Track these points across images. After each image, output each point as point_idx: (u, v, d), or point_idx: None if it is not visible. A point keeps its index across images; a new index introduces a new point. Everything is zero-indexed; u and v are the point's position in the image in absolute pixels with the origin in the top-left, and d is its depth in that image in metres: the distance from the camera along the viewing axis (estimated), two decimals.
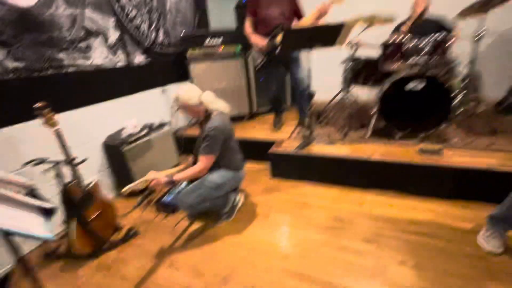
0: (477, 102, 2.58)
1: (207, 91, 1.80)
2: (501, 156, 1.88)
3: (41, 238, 0.76)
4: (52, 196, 1.83)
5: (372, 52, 2.89)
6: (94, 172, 2.20)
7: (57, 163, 1.60)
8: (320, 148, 2.32)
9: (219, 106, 1.80)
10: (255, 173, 2.55)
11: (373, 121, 2.39)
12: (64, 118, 1.91)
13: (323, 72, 3.83)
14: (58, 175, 1.64)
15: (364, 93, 3.73)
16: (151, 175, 1.57)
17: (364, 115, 2.99)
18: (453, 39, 2.24)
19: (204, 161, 1.69)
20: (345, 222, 1.79)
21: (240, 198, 2.07)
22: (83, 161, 1.64)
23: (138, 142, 2.29)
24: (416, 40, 2.26)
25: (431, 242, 1.57)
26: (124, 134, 2.25)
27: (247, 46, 3.17)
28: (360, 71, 2.87)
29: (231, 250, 1.66)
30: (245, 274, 1.47)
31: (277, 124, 2.98)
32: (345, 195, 2.10)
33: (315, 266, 1.48)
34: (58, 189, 1.84)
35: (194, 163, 1.82)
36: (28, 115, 1.66)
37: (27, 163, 1.58)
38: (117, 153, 2.19)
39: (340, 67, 2.94)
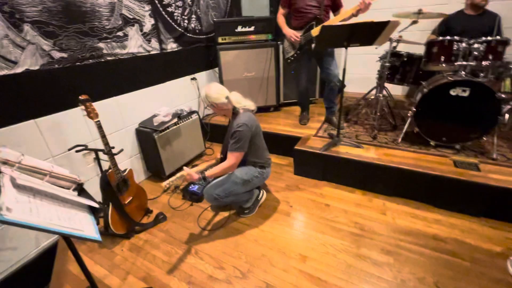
0: None
1: (234, 91, 1.82)
2: None
3: (93, 240, 0.85)
4: (90, 178, 2.00)
5: (413, 48, 2.70)
6: (127, 156, 2.35)
7: (97, 151, 1.72)
8: (346, 149, 2.27)
9: (246, 104, 1.81)
10: (278, 168, 2.58)
11: (406, 125, 2.27)
12: (102, 105, 2.03)
13: (357, 64, 3.66)
14: (98, 161, 1.78)
15: (399, 91, 3.54)
16: (186, 171, 1.65)
17: (397, 116, 2.85)
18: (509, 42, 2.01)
19: (233, 158, 1.73)
20: (366, 230, 1.80)
21: (263, 194, 2.13)
22: (120, 152, 1.75)
23: (168, 130, 2.38)
24: (467, 41, 2.06)
25: (454, 261, 1.54)
26: (156, 121, 2.34)
27: (278, 35, 3.07)
28: (399, 68, 2.69)
29: (251, 245, 1.74)
30: (263, 272, 1.55)
31: (303, 120, 2.93)
32: (368, 201, 2.08)
33: (332, 272, 1.52)
34: (96, 172, 2.00)
35: (222, 159, 1.88)
36: (71, 103, 1.78)
37: (71, 148, 1.72)
38: (149, 140, 2.30)
39: (376, 60, 2.78)
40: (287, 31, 2.48)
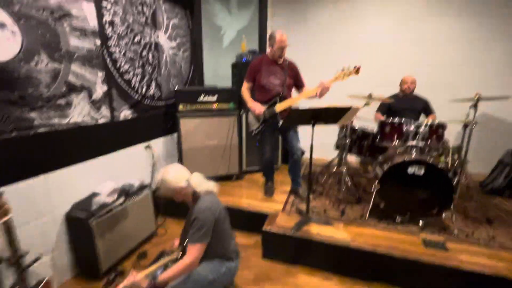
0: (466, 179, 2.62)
1: (196, 172, 1.62)
2: (506, 257, 1.81)
3: None
4: None
5: (366, 122, 2.95)
6: (48, 250, 1.79)
7: None
8: (317, 229, 2.12)
9: (208, 186, 1.59)
10: (244, 250, 2.25)
11: (372, 201, 2.28)
12: (22, 189, 1.58)
13: (316, 130, 3.86)
14: None
15: (353, 157, 3.72)
16: (130, 278, 1.25)
17: (359, 185, 2.91)
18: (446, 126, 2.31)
19: (194, 251, 1.41)
20: None
21: None
22: (35, 261, 1.28)
23: (111, 213, 1.95)
24: (414, 123, 2.30)
25: None
26: (96, 203, 1.91)
27: (241, 104, 3.09)
28: (355, 141, 2.86)
29: None
30: None
31: (269, 192, 2.78)
32: None
33: None
34: None
35: (183, 251, 1.53)
36: None
37: None
38: (83, 227, 1.81)
39: (335, 129, 2.93)
40: (252, 104, 2.48)
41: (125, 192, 2.12)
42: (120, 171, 2.33)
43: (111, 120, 2.19)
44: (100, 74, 2.05)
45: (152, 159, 2.70)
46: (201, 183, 1.58)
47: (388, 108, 3.06)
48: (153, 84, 2.67)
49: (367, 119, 2.87)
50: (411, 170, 2.12)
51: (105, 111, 2.12)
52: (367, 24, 3.44)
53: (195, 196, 1.55)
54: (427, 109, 3.01)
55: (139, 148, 2.56)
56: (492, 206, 2.54)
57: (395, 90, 3.14)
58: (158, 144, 2.84)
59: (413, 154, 2.20)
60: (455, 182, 2.33)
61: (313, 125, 1.97)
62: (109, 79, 2.13)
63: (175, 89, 2.75)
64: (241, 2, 3.44)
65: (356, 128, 2.83)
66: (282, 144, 3.40)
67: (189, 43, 3.23)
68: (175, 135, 2.86)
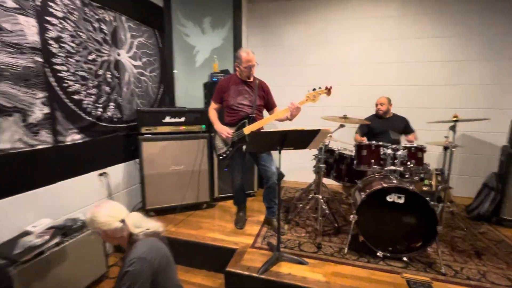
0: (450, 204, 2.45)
1: (134, 212, 1.36)
2: None
3: None
4: None
5: (345, 144, 2.79)
6: None
7: None
8: (289, 268, 1.85)
9: (149, 227, 1.33)
10: None
11: (350, 233, 2.04)
12: None
13: (293, 154, 3.68)
14: None
15: (337, 185, 3.52)
16: None
17: (338, 213, 2.68)
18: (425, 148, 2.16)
19: None
20: None
21: None
22: None
23: (42, 257, 1.63)
24: (391, 147, 2.14)
25: None
26: (22, 246, 1.59)
27: (212, 126, 2.90)
28: (333, 164, 2.67)
29: None
30: None
31: (240, 222, 2.51)
32: None
33: None
34: None
35: None
36: None
37: None
38: (1, 277, 1.49)
39: (311, 156, 2.74)
40: (219, 127, 2.28)
41: (64, 230, 1.81)
42: (66, 204, 2.03)
43: (54, 145, 1.93)
44: (41, 95, 1.81)
45: (107, 189, 2.41)
46: (140, 223, 1.32)
47: (368, 129, 2.94)
48: (112, 105, 2.44)
49: (346, 143, 2.72)
50: (390, 198, 1.92)
51: (45, 136, 1.86)
52: (341, 44, 3.40)
53: (132, 240, 1.28)
54: (407, 128, 2.90)
55: (91, 176, 2.27)
56: (480, 235, 2.35)
57: (373, 111, 3.03)
58: (117, 171, 2.56)
59: (392, 180, 2.02)
60: (439, 209, 2.14)
61: (280, 151, 1.77)
62: (52, 100, 1.89)
63: (137, 110, 2.53)
64: (215, 21, 3.35)
65: (334, 149, 2.66)
66: (257, 171, 3.18)
67: (158, 63, 3.07)
68: (138, 160, 2.60)
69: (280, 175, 1.94)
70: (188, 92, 3.43)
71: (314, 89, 2.00)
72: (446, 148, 2.37)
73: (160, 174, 2.61)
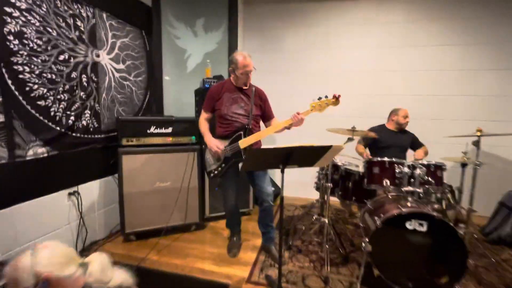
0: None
1: (99, 253, 1.03)
2: None
3: None
4: None
5: (351, 159, 2.53)
6: None
7: None
8: None
9: (115, 280, 1.00)
10: None
11: (362, 268, 1.74)
12: None
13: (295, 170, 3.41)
14: None
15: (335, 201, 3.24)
16: None
17: (345, 237, 2.38)
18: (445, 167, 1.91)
19: None
20: None
21: None
22: None
23: None
24: (409, 163, 1.88)
25: None
26: None
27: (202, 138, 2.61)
28: (338, 181, 2.39)
29: None
30: None
31: (233, 249, 2.19)
32: None
33: None
34: None
35: None
36: None
37: None
38: None
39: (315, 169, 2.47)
40: (209, 140, 1.99)
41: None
42: (21, 232, 1.68)
43: (10, 161, 1.59)
44: None
45: (78, 210, 2.06)
46: (102, 271, 0.99)
47: (373, 140, 2.67)
48: (88, 112, 2.13)
49: (351, 157, 2.45)
50: (410, 225, 1.64)
51: None
52: (344, 50, 3.19)
53: None
54: (415, 143, 2.66)
55: (59, 196, 1.93)
56: (504, 264, 2.09)
57: (378, 122, 2.79)
58: (92, 189, 2.22)
59: (410, 203, 1.75)
60: (462, 234, 1.87)
61: (283, 170, 1.48)
62: (9, 106, 1.57)
63: (118, 118, 2.22)
64: (208, 24, 3.11)
65: (339, 164, 2.39)
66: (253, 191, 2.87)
67: (145, 67, 2.78)
68: (115, 176, 2.26)
69: (277, 191, 1.65)
70: (179, 99, 3.14)
71: (319, 98, 1.74)
72: (464, 165, 2.13)
73: (143, 192, 2.28)
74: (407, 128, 2.69)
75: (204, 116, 2.10)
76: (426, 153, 2.58)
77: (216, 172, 2.01)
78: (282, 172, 1.49)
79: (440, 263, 1.62)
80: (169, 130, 2.38)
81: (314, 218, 2.24)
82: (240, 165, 1.91)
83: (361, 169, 2.28)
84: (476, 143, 1.85)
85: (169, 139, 2.39)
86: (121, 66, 2.45)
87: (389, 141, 2.61)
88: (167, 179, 2.37)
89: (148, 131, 2.31)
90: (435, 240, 1.62)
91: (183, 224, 2.45)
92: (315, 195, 2.67)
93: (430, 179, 1.81)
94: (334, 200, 2.61)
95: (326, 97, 1.73)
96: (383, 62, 3.10)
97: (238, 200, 2.19)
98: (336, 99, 1.70)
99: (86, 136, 2.12)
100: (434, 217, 1.59)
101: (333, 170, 2.40)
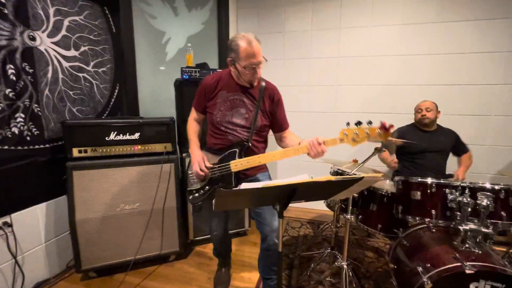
0: None
1: None
2: None
3: None
4: None
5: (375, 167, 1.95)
6: None
7: None
8: None
9: None
10: None
11: None
12: None
13: (295, 164, 2.85)
14: None
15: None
16: None
17: (361, 267, 1.83)
18: None
19: None
20: None
21: None
22: None
23: None
24: (464, 184, 1.30)
25: None
26: None
27: (183, 145, 2.07)
28: (357, 201, 1.82)
29: None
30: None
31: (221, 284, 1.70)
32: None
33: None
34: None
35: None
36: None
37: None
38: None
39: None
40: (193, 153, 1.44)
41: None
42: None
43: None
44: None
45: (9, 247, 1.55)
46: None
47: (402, 146, 2.09)
48: (21, 116, 1.58)
49: (375, 169, 1.87)
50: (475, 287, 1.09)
51: None
52: (359, 31, 2.55)
53: None
54: (458, 147, 2.08)
55: None
56: None
57: (403, 118, 2.21)
58: (34, 217, 1.70)
59: (472, 249, 1.18)
60: None
61: (280, 213, 0.92)
62: None
63: (63, 123, 1.66)
64: (192, 0, 2.49)
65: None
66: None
67: (110, 54, 2.21)
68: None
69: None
70: (157, 94, 2.57)
71: (359, 123, 1.08)
72: None
73: (103, 218, 1.76)
74: (450, 126, 2.11)
75: (194, 116, 1.54)
76: (469, 166, 2.01)
77: (196, 194, 1.46)
78: (280, 217, 0.93)
79: None
80: (136, 136, 1.83)
81: (326, 252, 1.69)
82: (239, 186, 1.35)
83: (389, 186, 1.70)
84: None
85: (137, 148, 1.84)
86: (72, 52, 1.88)
87: (423, 144, 2.03)
88: (135, 199, 1.83)
89: (107, 138, 1.76)
90: None
91: (158, 254, 1.94)
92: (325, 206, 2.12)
93: (502, 212, 1.23)
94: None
95: (370, 123, 1.07)
96: (410, 44, 2.45)
97: (227, 226, 1.66)
98: (386, 131, 1.04)
99: (19, 148, 1.58)
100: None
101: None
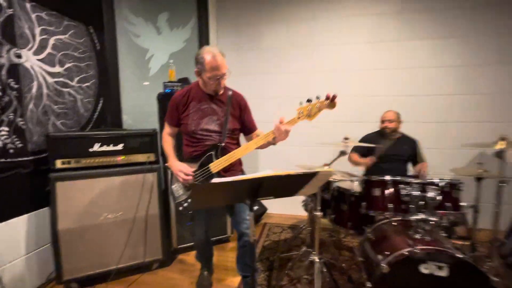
0: None
1: None
2: None
3: None
4: None
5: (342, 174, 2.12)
6: None
7: None
8: None
9: None
10: None
11: None
12: None
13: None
14: None
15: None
16: None
17: (338, 266, 1.96)
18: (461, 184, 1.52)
19: None
20: None
21: None
22: None
23: None
24: (416, 181, 1.49)
25: None
26: None
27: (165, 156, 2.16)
28: (329, 203, 1.97)
29: None
30: None
31: (203, 284, 1.76)
32: None
33: None
34: None
35: None
36: None
37: None
38: None
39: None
40: (173, 164, 1.54)
41: None
42: None
43: None
44: None
45: None
46: None
47: (367, 150, 2.28)
48: (4, 130, 1.64)
49: (345, 172, 2.04)
50: (426, 269, 1.24)
51: None
52: (331, 47, 2.81)
53: None
54: (415, 154, 2.28)
55: None
56: None
57: (370, 127, 2.42)
58: (15, 228, 1.71)
59: (423, 237, 1.35)
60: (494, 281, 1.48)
61: (251, 207, 1.04)
62: None
63: (47, 136, 1.73)
64: (173, 19, 2.67)
65: (330, 180, 1.97)
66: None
67: (95, 70, 2.31)
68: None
69: (261, 210, 1.21)
70: (140, 108, 2.67)
71: (309, 100, 1.30)
72: (479, 179, 1.76)
73: (86, 228, 1.80)
74: (409, 132, 2.33)
75: (167, 130, 1.65)
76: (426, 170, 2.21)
77: (186, 204, 1.55)
78: (251, 209, 1.05)
79: None
80: (119, 147, 1.91)
81: (302, 251, 1.81)
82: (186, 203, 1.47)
83: (357, 187, 1.87)
84: (500, 154, 1.47)
85: (120, 159, 1.92)
86: (57, 69, 1.97)
87: (387, 150, 2.23)
88: (119, 208, 1.89)
89: (90, 150, 1.83)
90: (458, 284, 1.22)
91: (142, 262, 1.97)
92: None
93: (446, 202, 1.42)
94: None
95: (318, 98, 1.29)
96: (374, 59, 2.73)
97: (209, 231, 1.75)
98: (331, 101, 1.27)
99: (2, 160, 1.62)
100: (457, 258, 1.20)
101: (323, 187, 1.99)
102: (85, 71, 2.21)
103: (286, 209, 3.03)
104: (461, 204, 1.49)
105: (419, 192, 1.42)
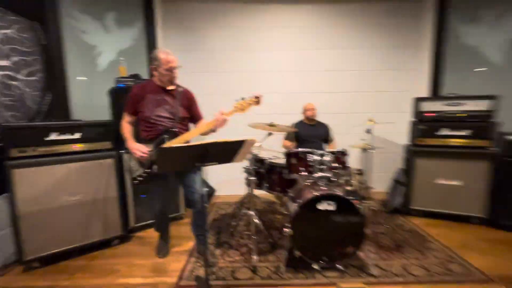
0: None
1: None
2: None
3: None
4: None
5: (274, 153, 2.69)
6: None
7: None
8: None
9: None
10: None
11: (286, 252, 1.89)
12: None
13: (223, 166, 3.43)
14: None
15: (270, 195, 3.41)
16: None
17: (272, 226, 2.53)
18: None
19: None
20: None
21: None
22: None
23: None
24: (319, 152, 2.12)
25: None
26: None
27: (121, 143, 2.40)
28: (264, 175, 2.52)
29: None
30: None
31: (162, 251, 2.12)
32: None
33: None
34: None
35: None
36: None
37: None
38: None
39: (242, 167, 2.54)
40: (131, 145, 1.87)
41: None
42: None
43: None
44: None
45: None
46: None
47: (295, 135, 2.93)
48: None
49: (276, 151, 2.61)
50: (321, 206, 1.86)
51: None
52: (267, 52, 3.37)
53: None
54: (328, 135, 3.02)
55: None
56: (397, 228, 2.55)
57: (298, 118, 3.07)
58: None
59: (321, 187, 1.98)
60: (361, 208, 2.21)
61: (200, 168, 1.48)
62: None
63: (2, 126, 1.84)
64: (121, 18, 2.85)
65: (265, 159, 2.52)
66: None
67: (40, 64, 2.38)
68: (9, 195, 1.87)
69: (210, 191, 1.64)
70: (90, 101, 2.80)
71: (243, 98, 1.78)
72: (364, 149, 2.51)
73: (46, 210, 1.96)
74: (324, 120, 3.03)
75: (126, 119, 1.95)
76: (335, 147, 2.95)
77: (140, 178, 1.90)
78: (200, 169, 1.48)
79: (347, 236, 1.88)
80: (77, 136, 2.10)
81: (242, 212, 2.31)
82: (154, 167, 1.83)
83: (283, 161, 2.45)
84: (368, 131, 2.21)
85: (77, 146, 2.11)
86: (4, 62, 2.04)
87: (307, 134, 2.90)
88: (78, 192, 2.09)
89: (45, 139, 1.98)
90: (342, 216, 1.87)
91: (103, 239, 2.21)
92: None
93: (337, 164, 2.08)
94: (264, 193, 2.76)
95: (245, 98, 1.77)
96: (299, 63, 3.40)
97: (166, 204, 2.10)
98: (257, 100, 1.77)
99: None
100: (339, 197, 1.84)
101: (259, 165, 2.52)
102: (31, 65, 2.29)
103: (234, 191, 3.51)
104: (348, 165, 2.19)
105: (319, 157, 2.05)
